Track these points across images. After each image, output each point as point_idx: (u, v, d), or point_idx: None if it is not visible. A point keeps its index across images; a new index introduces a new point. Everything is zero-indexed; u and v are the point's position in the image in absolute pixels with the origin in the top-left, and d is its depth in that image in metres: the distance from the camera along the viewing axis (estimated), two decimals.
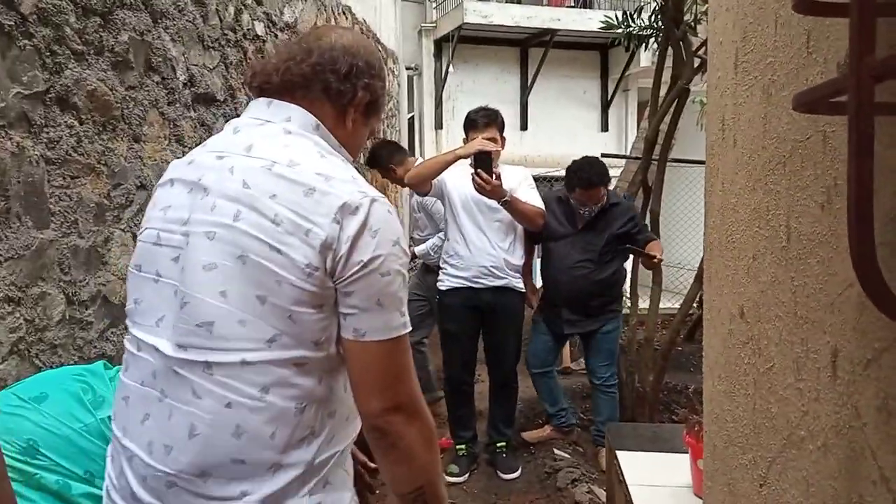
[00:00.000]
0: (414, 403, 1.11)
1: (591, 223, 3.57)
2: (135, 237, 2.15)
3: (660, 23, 4.34)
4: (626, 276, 3.84)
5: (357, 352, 1.07)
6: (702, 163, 1.55)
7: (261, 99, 1.19)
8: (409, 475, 1.13)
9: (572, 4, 11.00)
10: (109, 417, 1.38)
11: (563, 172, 3.76)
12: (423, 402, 1.14)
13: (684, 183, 7.04)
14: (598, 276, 3.52)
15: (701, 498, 1.66)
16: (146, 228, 1.16)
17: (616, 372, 3.81)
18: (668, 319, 5.21)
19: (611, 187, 3.74)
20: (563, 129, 10.83)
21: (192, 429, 1.03)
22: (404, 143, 7.93)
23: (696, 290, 4.02)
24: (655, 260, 3.44)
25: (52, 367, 1.70)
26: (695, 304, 4.37)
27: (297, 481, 1.06)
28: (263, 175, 1.06)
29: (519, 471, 3.60)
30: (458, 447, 3.64)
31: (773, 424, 0.80)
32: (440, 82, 10.80)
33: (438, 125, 10.90)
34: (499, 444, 3.65)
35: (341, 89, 1.19)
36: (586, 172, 3.44)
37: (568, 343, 4.76)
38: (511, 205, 3.30)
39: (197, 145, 2.55)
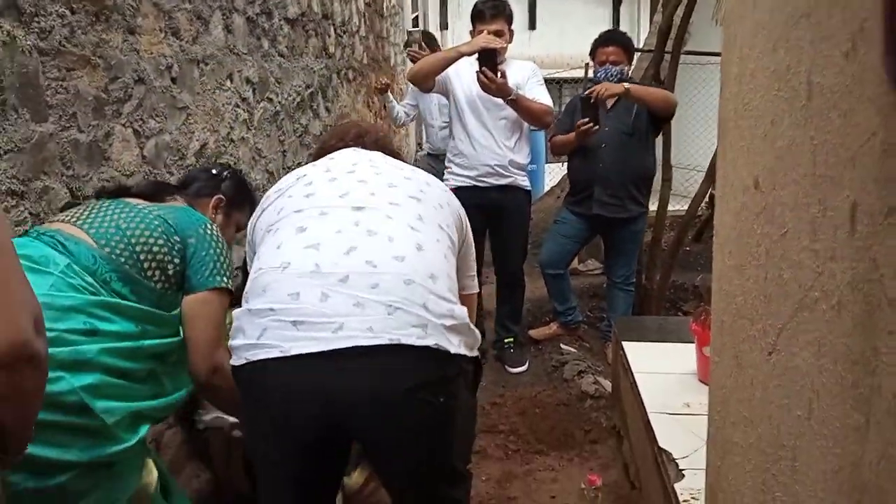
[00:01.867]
0: None
1: (617, 103, 3.52)
2: (136, 133, 2.11)
3: None
4: (655, 173, 3.76)
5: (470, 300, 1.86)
6: (716, 54, 1.48)
7: (377, 153, 1.81)
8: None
9: None
10: (69, 265, 1.37)
11: (572, 73, 3.68)
12: None
13: (697, 84, 6.84)
14: (632, 150, 3.47)
15: (706, 384, 1.68)
16: (314, 181, 1.63)
17: (635, 270, 3.83)
18: (675, 221, 5.18)
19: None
20: (572, 27, 10.43)
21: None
22: None
23: (706, 188, 3.97)
24: (603, 91, 3.33)
25: None
26: (703, 205, 4.32)
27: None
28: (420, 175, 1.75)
29: (526, 365, 3.67)
30: None
31: (784, 291, 0.79)
32: None
33: (444, 25, 10.57)
34: (506, 340, 3.71)
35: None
36: (605, 32, 3.71)
37: None
38: (517, 103, 3.22)
39: (194, 39, 2.48)
